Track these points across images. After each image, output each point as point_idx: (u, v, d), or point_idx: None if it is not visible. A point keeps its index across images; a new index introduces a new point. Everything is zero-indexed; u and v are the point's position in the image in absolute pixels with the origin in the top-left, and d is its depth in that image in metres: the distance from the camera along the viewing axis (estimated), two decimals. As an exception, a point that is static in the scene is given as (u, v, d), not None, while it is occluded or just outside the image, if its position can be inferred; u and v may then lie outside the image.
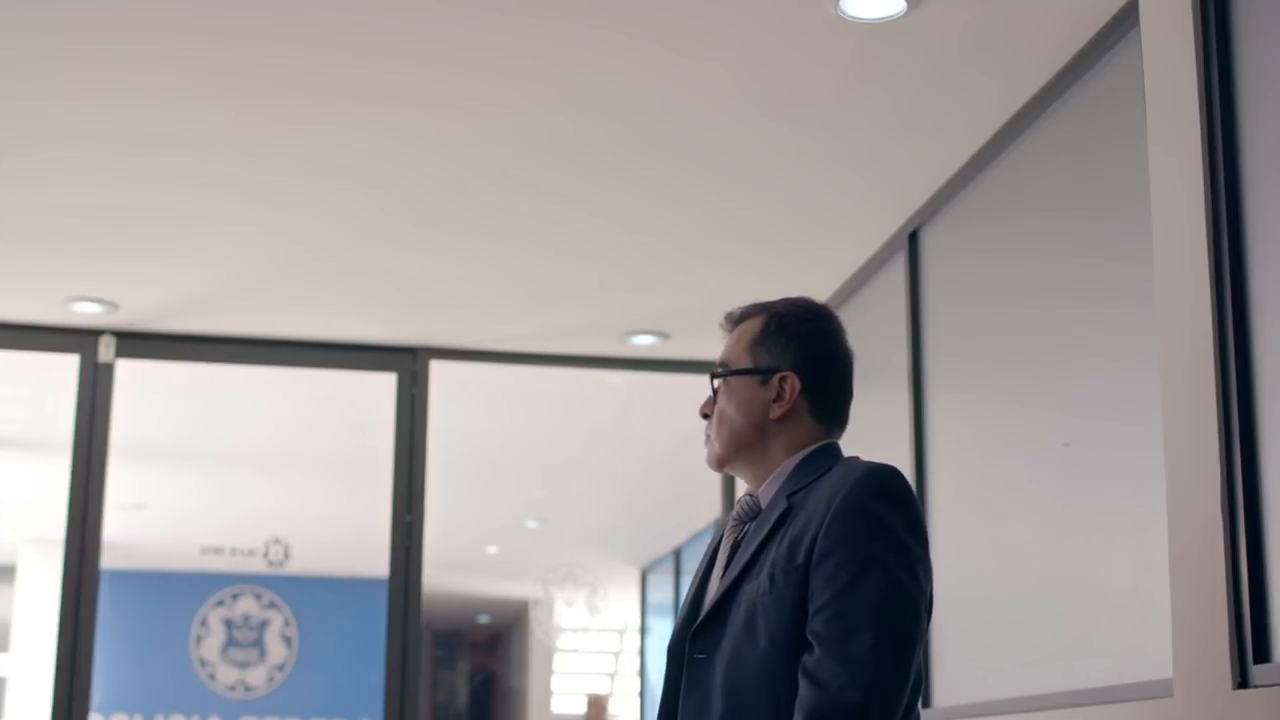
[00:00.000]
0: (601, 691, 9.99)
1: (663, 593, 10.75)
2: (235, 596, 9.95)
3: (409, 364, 6.17)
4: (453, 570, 10.19)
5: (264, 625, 10.01)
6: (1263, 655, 2.70)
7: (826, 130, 4.15)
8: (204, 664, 10.15)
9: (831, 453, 2.43)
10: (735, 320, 2.52)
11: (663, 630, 11.00)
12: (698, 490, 7.30)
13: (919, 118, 4.07)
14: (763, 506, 2.40)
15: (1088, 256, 3.71)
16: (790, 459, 2.41)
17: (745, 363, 2.45)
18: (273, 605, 10.05)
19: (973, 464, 4.38)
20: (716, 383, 2.49)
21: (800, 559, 2.21)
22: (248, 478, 8.54)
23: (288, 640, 10.20)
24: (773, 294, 5.50)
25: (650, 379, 6.55)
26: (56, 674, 5.85)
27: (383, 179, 4.53)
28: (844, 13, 3.50)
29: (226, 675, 10.21)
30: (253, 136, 4.24)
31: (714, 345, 6.23)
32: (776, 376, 2.42)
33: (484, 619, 15.23)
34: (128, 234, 5.02)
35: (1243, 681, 2.70)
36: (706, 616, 2.31)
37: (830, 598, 2.15)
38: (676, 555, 10.23)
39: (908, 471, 4.75)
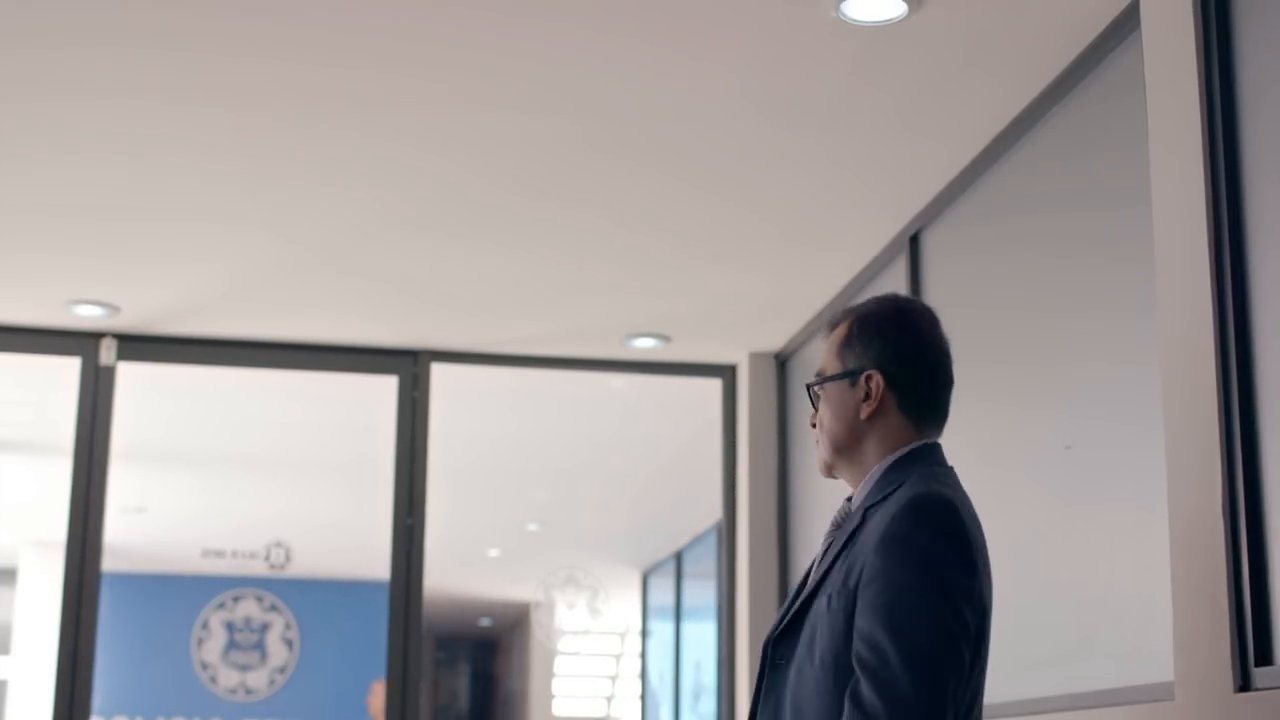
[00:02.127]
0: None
1: (664, 595, 10.75)
2: (236, 599, 9.96)
3: (410, 367, 6.17)
4: (454, 573, 10.19)
5: (265, 628, 10.02)
6: (1264, 658, 2.70)
7: (828, 132, 4.15)
8: (205, 666, 10.15)
9: (921, 456, 2.40)
10: (830, 327, 2.54)
11: (663, 633, 11.00)
12: (699, 493, 7.30)
13: (920, 120, 4.07)
14: (851, 512, 2.44)
15: (1089, 258, 3.71)
16: (882, 462, 2.41)
17: (835, 368, 2.48)
18: (274, 608, 10.05)
19: (974, 466, 4.37)
20: (817, 392, 2.51)
21: (852, 582, 2.25)
22: (249, 480, 8.54)
23: (289, 643, 10.20)
24: (771, 296, 5.55)
25: (652, 382, 6.55)
26: (57, 677, 5.85)
27: (384, 181, 4.54)
28: (845, 15, 3.50)
29: (228, 678, 10.21)
30: (254, 138, 4.24)
31: (715, 348, 6.26)
32: (862, 376, 2.42)
33: (485, 622, 15.23)
34: (129, 237, 5.02)
35: (1244, 684, 2.71)
36: (786, 625, 2.37)
37: (869, 625, 2.18)
38: (678, 558, 10.23)
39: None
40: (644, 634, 11.74)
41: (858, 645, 2.19)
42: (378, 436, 6.22)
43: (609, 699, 15.64)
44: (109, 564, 6.03)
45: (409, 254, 5.14)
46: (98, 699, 6.09)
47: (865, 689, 2.14)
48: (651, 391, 6.78)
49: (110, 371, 5.98)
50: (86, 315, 5.78)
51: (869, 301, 2.54)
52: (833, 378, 2.47)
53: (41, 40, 3.67)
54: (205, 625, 9.98)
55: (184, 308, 5.73)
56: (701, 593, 9.56)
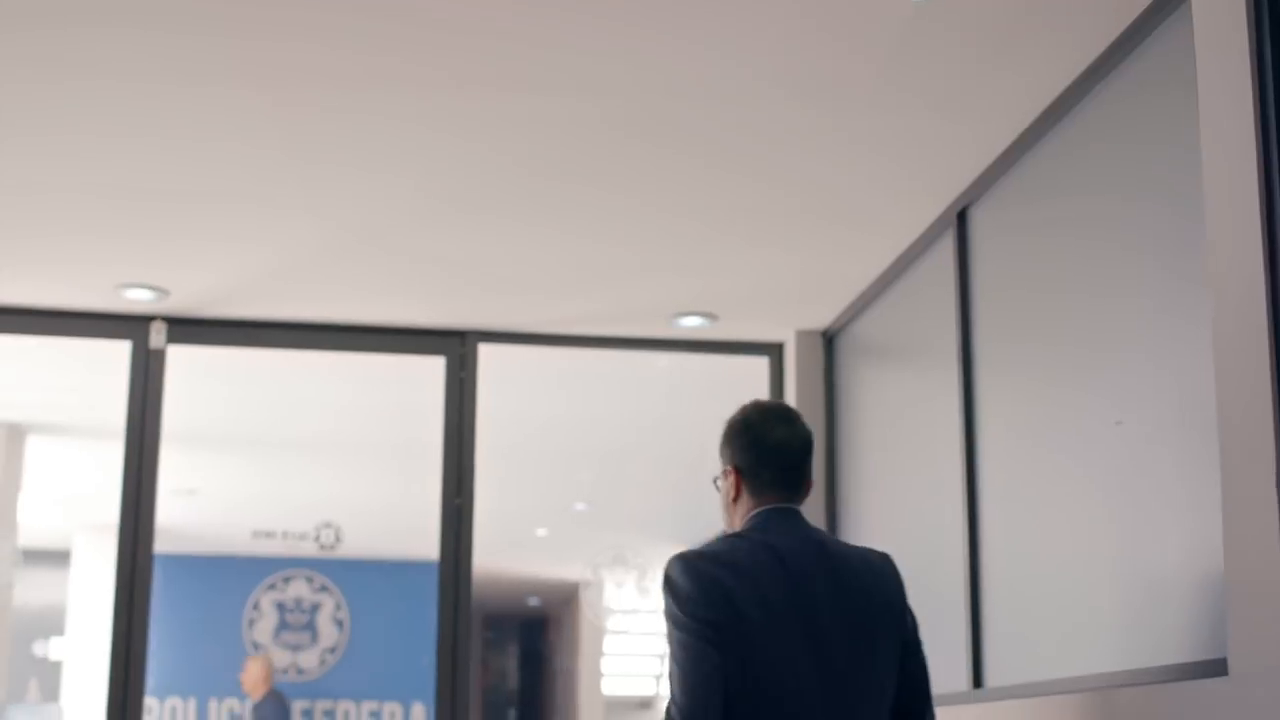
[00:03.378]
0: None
1: (712, 574, 10.74)
2: (287, 580, 10.03)
3: (457, 347, 6.19)
4: (502, 553, 10.22)
5: (316, 608, 10.08)
6: (1319, 634, 2.68)
7: (872, 109, 4.13)
8: (257, 647, 10.23)
9: (749, 523, 3.27)
10: None
11: (712, 612, 10.99)
12: (747, 471, 7.29)
13: (965, 96, 4.04)
14: None
15: (1139, 233, 3.68)
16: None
17: (720, 467, 3.37)
18: (324, 589, 10.12)
19: (1023, 444, 4.36)
20: (716, 484, 3.40)
21: None
22: (299, 462, 8.59)
23: (339, 623, 10.27)
24: (818, 274, 5.54)
25: (697, 360, 6.54)
26: (111, 658, 5.90)
27: (429, 163, 4.54)
28: (890, -10, 3.48)
29: (279, 658, 10.29)
30: (298, 121, 4.25)
31: (762, 326, 6.24)
32: (725, 472, 3.34)
33: (533, 601, 15.27)
34: (177, 220, 5.05)
35: (1299, 661, 2.68)
36: None
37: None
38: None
39: (956, 454, 4.73)
40: (692, 613, 11.73)
41: None
42: (426, 418, 6.24)
43: (658, 678, 15.67)
44: (161, 546, 6.08)
45: (456, 235, 5.15)
46: (151, 680, 6.14)
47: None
48: (697, 370, 6.77)
49: (160, 355, 6.02)
50: (136, 299, 5.82)
51: (733, 413, 3.41)
52: (718, 475, 3.38)
53: (87, 23, 3.69)
54: (257, 606, 10.05)
55: (232, 291, 5.76)
56: (750, 571, 9.56)
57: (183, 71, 3.93)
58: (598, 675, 13.21)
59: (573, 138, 4.35)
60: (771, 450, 3.28)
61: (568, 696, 13.75)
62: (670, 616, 3.10)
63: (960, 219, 4.79)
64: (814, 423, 6.12)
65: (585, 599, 8.05)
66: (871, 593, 3.18)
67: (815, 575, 3.13)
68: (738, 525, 3.27)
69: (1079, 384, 3.99)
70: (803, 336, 6.25)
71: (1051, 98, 4.03)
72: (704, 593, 3.07)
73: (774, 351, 6.40)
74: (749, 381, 6.53)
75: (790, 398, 6.27)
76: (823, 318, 6.09)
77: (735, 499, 3.30)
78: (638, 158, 4.49)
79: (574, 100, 4.10)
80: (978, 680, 4.53)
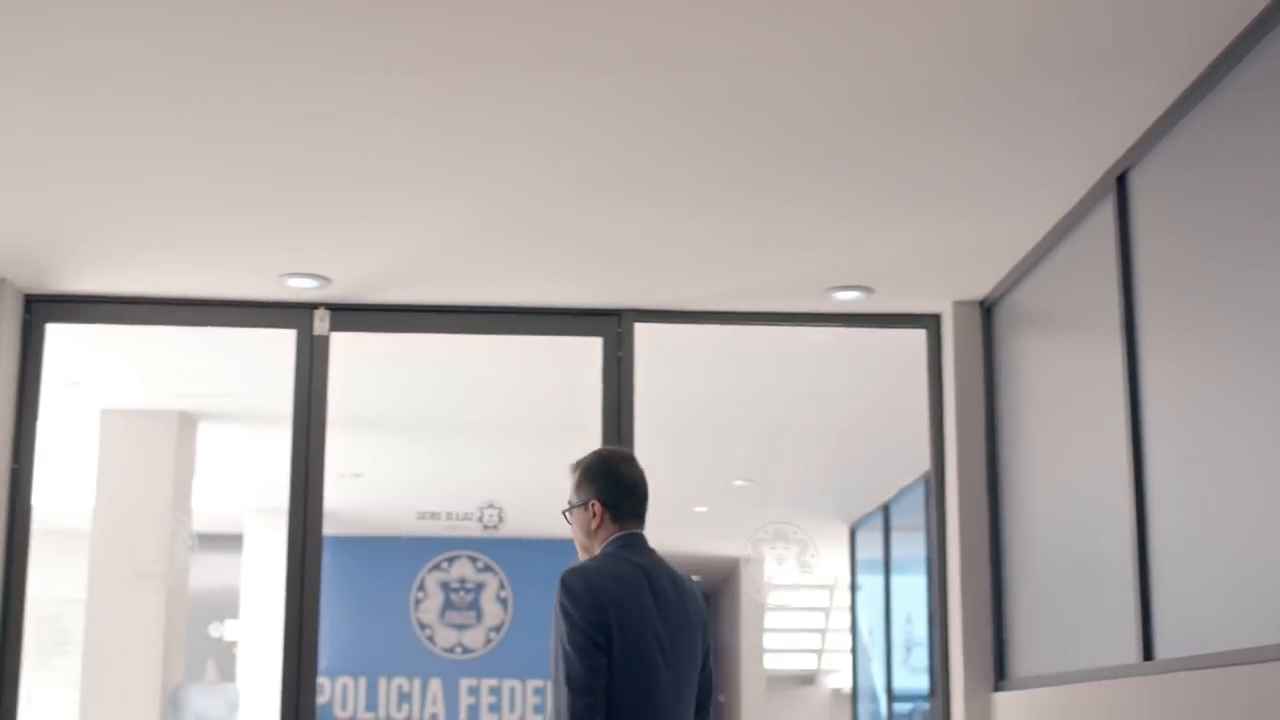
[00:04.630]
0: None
1: (872, 549, 10.70)
2: (451, 560, 10.18)
3: (614, 327, 6.22)
4: (661, 530, 10.26)
5: (480, 588, 10.23)
6: None
7: (1027, 72, 4.06)
8: (423, 627, 10.41)
9: (614, 543, 3.94)
10: (571, 474, 4.08)
11: (873, 586, 10.96)
12: (905, 444, 7.25)
13: (1123, 56, 3.96)
14: None
15: (1308, 192, 3.59)
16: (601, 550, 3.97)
17: (576, 500, 4.03)
18: (487, 568, 10.25)
19: (1191, 412, 4.27)
20: (567, 516, 4.07)
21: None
22: (462, 444, 8.71)
23: (503, 602, 10.40)
24: (975, 243, 5.48)
25: (852, 333, 6.51)
26: (285, 639, 6.04)
27: (583, 144, 4.57)
28: (1044, -47, 3.42)
29: (445, 637, 10.46)
30: (456, 106, 4.30)
31: (918, 298, 6.20)
32: (589, 504, 3.98)
33: (693, 578, 15.32)
34: (338, 208, 5.14)
35: None
36: None
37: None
38: (885, 511, 10.17)
39: (1121, 422, 4.66)
40: (853, 588, 11.71)
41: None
42: (585, 397, 6.29)
43: (819, 653, 15.66)
44: (329, 529, 6.21)
45: (611, 215, 5.18)
46: (322, 660, 6.28)
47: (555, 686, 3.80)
48: (852, 343, 6.73)
49: (324, 341, 6.14)
50: (300, 287, 5.94)
51: (588, 455, 4.10)
52: (575, 506, 4.03)
53: (249, 14, 3.77)
54: (422, 586, 10.22)
55: (392, 276, 5.86)
56: (910, 545, 9.50)
57: (342, 57, 3.99)
58: (758, 650, 13.23)
59: (726, 114, 4.34)
60: (630, 486, 4.01)
61: (729, 672, 13.77)
62: (568, 615, 3.73)
63: (1120, 183, 4.71)
64: (973, 393, 6.10)
65: (745, 575, 8.06)
66: (693, 608, 3.98)
67: (667, 589, 3.90)
68: (596, 550, 3.94)
69: (1248, 349, 3.90)
70: (960, 307, 6.18)
71: (1216, 53, 3.94)
72: (595, 600, 3.75)
73: (931, 323, 6.35)
74: (905, 353, 6.48)
75: (948, 369, 6.21)
76: (980, 287, 6.03)
77: (598, 527, 3.96)
78: (790, 132, 4.48)
79: (728, 76, 4.09)
80: (1148, 653, 4.46)
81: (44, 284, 6.01)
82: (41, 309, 6.13)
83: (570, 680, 3.68)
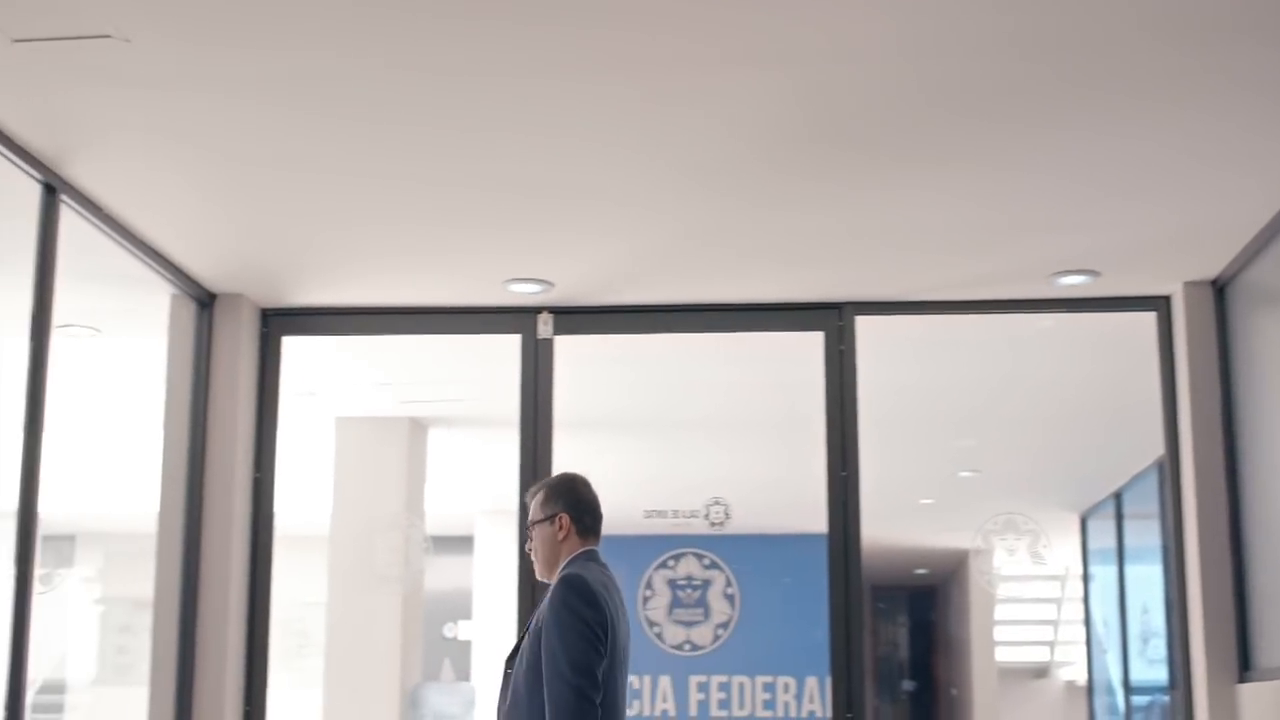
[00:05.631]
0: None
1: (1104, 538, 10.48)
2: (678, 558, 10.24)
3: (835, 320, 6.20)
4: (887, 523, 10.18)
5: (707, 585, 10.26)
6: None
7: (1247, 46, 3.94)
8: (652, 624, 10.49)
9: (582, 557, 4.19)
10: (533, 494, 4.34)
11: (1106, 577, 10.73)
12: (1135, 431, 7.08)
13: (1362, 22, 3.82)
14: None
15: None
16: (566, 562, 4.19)
17: (540, 516, 4.27)
18: (714, 565, 10.29)
19: None
20: (530, 532, 4.30)
21: (537, 624, 4.08)
22: (684, 442, 8.75)
23: (730, 598, 10.42)
24: (1204, 222, 5.31)
25: (1077, 318, 6.38)
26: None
27: (798, 136, 4.56)
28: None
29: (674, 634, 10.52)
30: (665, 105, 4.33)
31: (1147, 280, 6.04)
32: (556, 517, 4.23)
33: (921, 571, 15.17)
34: (559, 216, 5.22)
35: None
36: (515, 650, 4.19)
37: (547, 647, 3.98)
38: (1117, 499, 9.95)
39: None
40: (1085, 578, 11.48)
41: (544, 659, 4.00)
42: (807, 391, 6.28)
43: (1051, 645, 15.36)
44: (555, 528, 6.27)
45: (828, 207, 5.16)
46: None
47: (547, 685, 3.96)
48: (1079, 328, 6.60)
49: (549, 344, 6.24)
50: (523, 292, 6.04)
51: (552, 478, 4.43)
52: (541, 521, 4.25)
53: (467, 28, 3.85)
54: (649, 584, 10.30)
55: (612, 279, 5.92)
56: (1144, 533, 9.27)
57: (556, 68, 4.06)
58: (989, 643, 13.05)
59: (944, 101, 4.30)
60: (592, 505, 4.32)
61: (960, 665, 13.62)
62: (579, 615, 3.96)
63: (1360, 153, 4.54)
64: (1207, 376, 5.93)
65: (975, 567, 7.94)
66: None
67: (620, 600, 4.20)
68: (560, 563, 4.19)
69: None
70: (1191, 288, 6.02)
71: None
72: (602, 604, 4.02)
73: (1161, 305, 6.18)
74: (1134, 337, 6.33)
75: (1180, 351, 6.05)
76: (1212, 267, 5.85)
77: (564, 539, 4.22)
78: (1009, 116, 4.41)
79: (946, 61, 4.05)
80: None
81: (279, 298, 6.22)
82: (277, 322, 6.34)
83: (579, 671, 3.90)
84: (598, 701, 3.91)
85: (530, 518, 4.32)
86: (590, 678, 3.89)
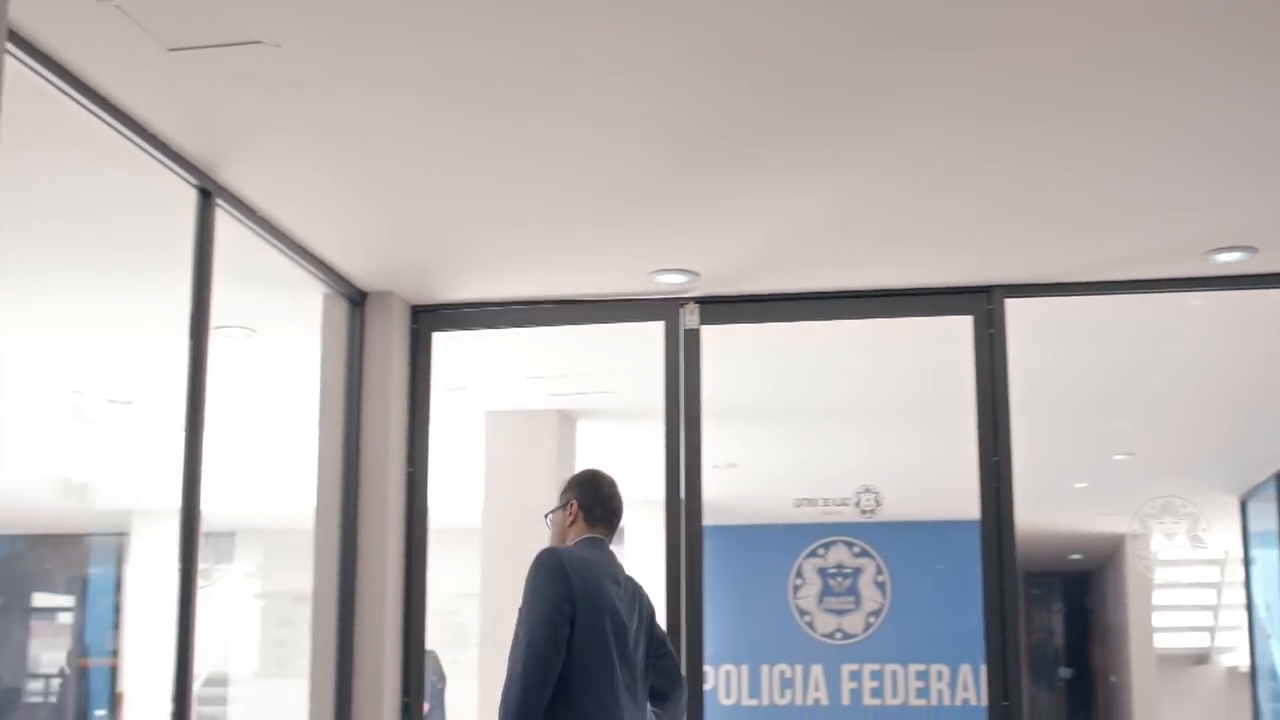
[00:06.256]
0: None
1: (1266, 520, 10.25)
2: (827, 546, 10.20)
3: (984, 304, 6.11)
4: (1040, 508, 10.06)
5: (857, 573, 10.21)
6: None
7: None
8: (803, 613, 10.46)
9: (585, 542, 4.59)
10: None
11: (1268, 560, 10.49)
12: (1297, 410, 6.92)
13: None
14: None
15: None
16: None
17: (557, 504, 4.73)
18: (864, 553, 10.23)
19: None
20: (548, 518, 4.75)
21: None
22: (834, 429, 8.72)
23: (881, 586, 10.36)
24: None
25: (1236, 296, 6.23)
26: (669, 628, 6.14)
27: (943, 118, 4.51)
28: None
29: (825, 623, 10.49)
30: (811, 85, 4.30)
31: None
32: (568, 504, 4.66)
33: (1075, 556, 14.95)
34: (704, 207, 5.21)
35: None
36: None
37: None
38: (1279, 480, 9.72)
39: None
40: (1246, 562, 11.23)
41: None
42: (955, 376, 6.21)
43: (1211, 631, 15.05)
44: (706, 518, 6.28)
45: (976, 189, 5.09)
46: (707, 648, 6.36)
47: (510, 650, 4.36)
48: (1235, 306, 6.45)
49: (694, 334, 6.23)
50: (668, 283, 6.05)
51: (576, 474, 4.79)
52: (555, 510, 4.71)
53: (621, 26, 3.86)
54: (800, 573, 10.27)
55: (757, 268, 5.91)
56: (1309, 515, 9.06)
57: (697, 63, 4.06)
58: (1147, 629, 12.82)
59: (1093, 79, 4.22)
60: (606, 498, 4.68)
61: (1118, 652, 13.41)
62: (539, 588, 4.33)
63: None
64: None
65: (1132, 551, 7.82)
66: (640, 601, 4.66)
67: (620, 580, 4.55)
68: (568, 543, 4.58)
69: None
70: (1353, 262, 5.85)
71: None
72: (565, 576, 4.35)
73: (1322, 280, 6.02)
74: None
75: (1344, 328, 5.88)
76: (1377, 239, 5.69)
77: (571, 524, 4.63)
78: (1154, 90, 4.31)
79: (1091, 38, 3.98)
80: None
81: (429, 295, 6.30)
82: (427, 319, 6.43)
83: (532, 645, 4.24)
84: (553, 663, 4.24)
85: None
86: (539, 647, 4.24)
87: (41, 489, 10.00)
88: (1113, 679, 14.69)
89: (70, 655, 14.41)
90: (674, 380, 6.25)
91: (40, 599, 15.16)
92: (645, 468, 6.18)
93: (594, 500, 4.67)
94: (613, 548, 4.70)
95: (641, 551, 10.54)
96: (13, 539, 14.44)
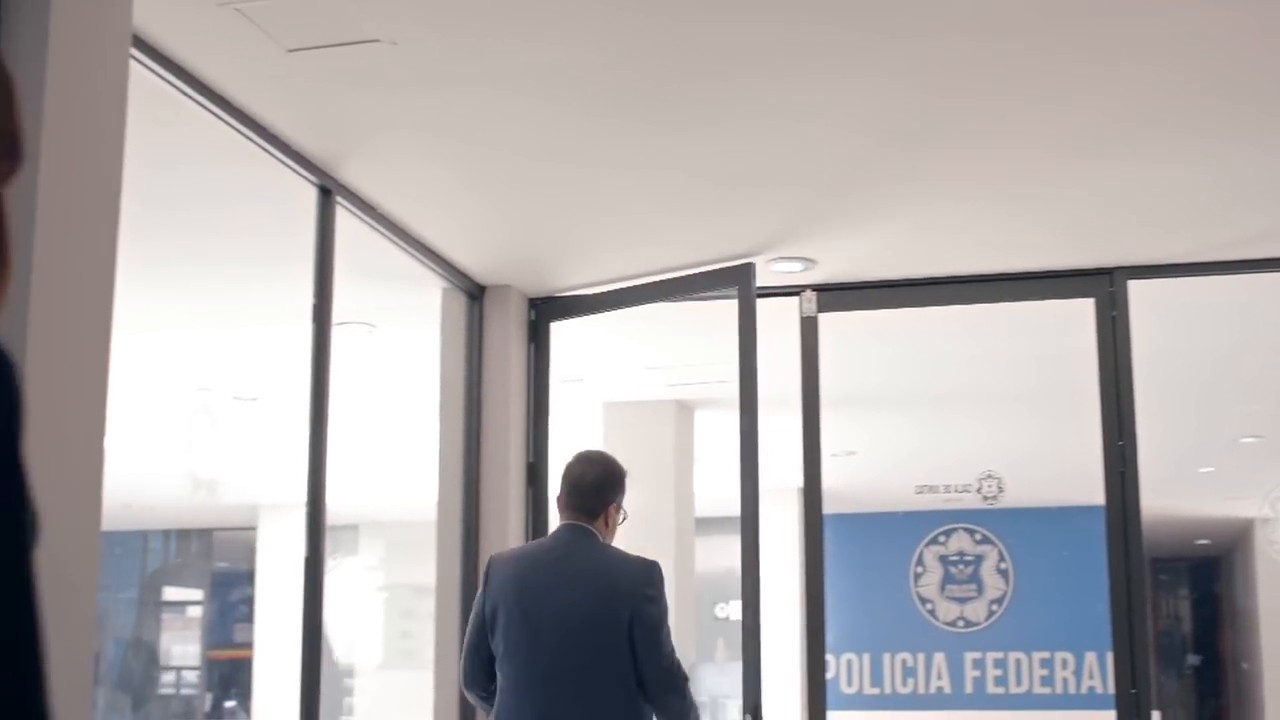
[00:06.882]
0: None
1: (1401, 502, 9.99)
2: (948, 534, 10.13)
3: (1106, 286, 6.02)
4: (1166, 493, 9.91)
5: (979, 560, 10.14)
6: None
7: None
8: (924, 601, 10.40)
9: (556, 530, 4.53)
10: None
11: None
12: None
13: None
14: None
15: None
16: None
17: None
18: (986, 540, 10.16)
19: None
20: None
21: None
22: (954, 415, 8.64)
23: (1004, 573, 10.28)
24: None
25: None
26: (798, 617, 6.13)
27: (1065, 98, 4.45)
28: None
29: (946, 611, 10.42)
30: (923, 83, 4.28)
31: None
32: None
33: (1202, 541, 14.71)
34: (819, 196, 5.20)
35: None
36: None
37: None
38: None
39: None
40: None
41: None
42: (1077, 360, 6.13)
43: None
44: (826, 507, 6.26)
45: (1100, 170, 5.01)
46: (829, 636, 6.34)
47: None
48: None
49: (813, 322, 6.20)
50: (786, 270, 6.03)
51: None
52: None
53: (733, 17, 3.86)
54: (920, 561, 10.22)
55: (875, 254, 5.87)
56: None
57: (811, 54, 4.05)
58: (1278, 615, 12.58)
59: (1213, 57, 4.15)
60: (571, 483, 4.44)
61: (1248, 639, 13.16)
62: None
63: None
64: None
65: (1261, 535, 7.68)
66: (609, 585, 4.34)
67: (578, 566, 4.36)
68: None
69: None
70: None
71: None
72: (489, 576, 4.39)
73: None
74: None
75: None
76: None
77: (559, 512, 4.43)
78: (1275, 69, 4.23)
79: (1212, 16, 3.91)
80: None
81: (545, 286, 6.33)
82: (544, 309, 6.45)
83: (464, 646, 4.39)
84: (470, 658, 4.32)
85: None
86: (464, 652, 4.37)
87: (171, 485, 10.20)
88: (1244, 666, 14.43)
89: (201, 648, 14.70)
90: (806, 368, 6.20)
91: (170, 593, 15.48)
92: (769, 457, 6.14)
93: (563, 488, 4.45)
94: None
95: (763, 541, 10.54)
96: (145, 534, 14.76)
